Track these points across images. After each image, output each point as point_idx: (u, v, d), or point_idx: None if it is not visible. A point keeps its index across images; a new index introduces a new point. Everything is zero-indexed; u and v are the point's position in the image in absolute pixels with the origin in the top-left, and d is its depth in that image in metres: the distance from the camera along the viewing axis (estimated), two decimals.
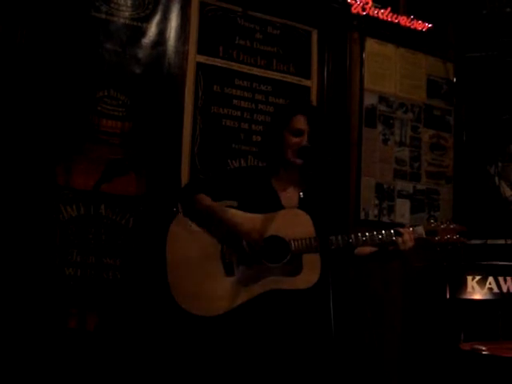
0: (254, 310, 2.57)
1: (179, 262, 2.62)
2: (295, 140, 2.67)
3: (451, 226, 2.67)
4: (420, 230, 2.64)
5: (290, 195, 2.74)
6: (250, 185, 2.73)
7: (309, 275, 2.55)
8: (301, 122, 2.69)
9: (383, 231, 2.61)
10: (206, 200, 2.66)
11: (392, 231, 2.61)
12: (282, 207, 2.68)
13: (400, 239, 2.56)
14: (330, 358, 2.48)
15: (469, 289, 4.02)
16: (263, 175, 2.77)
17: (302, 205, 2.69)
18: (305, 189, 2.73)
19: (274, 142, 2.75)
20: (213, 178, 2.88)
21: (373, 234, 2.61)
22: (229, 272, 2.60)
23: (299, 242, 2.56)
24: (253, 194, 2.71)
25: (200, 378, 3.37)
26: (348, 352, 3.83)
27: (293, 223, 2.60)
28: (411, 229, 2.62)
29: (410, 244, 2.57)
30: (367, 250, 2.73)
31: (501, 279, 4.00)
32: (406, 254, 2.59)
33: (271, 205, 2.67)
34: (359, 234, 2.60)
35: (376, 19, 4.51)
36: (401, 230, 2.60)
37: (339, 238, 2.56)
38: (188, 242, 2.64)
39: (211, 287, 2.59)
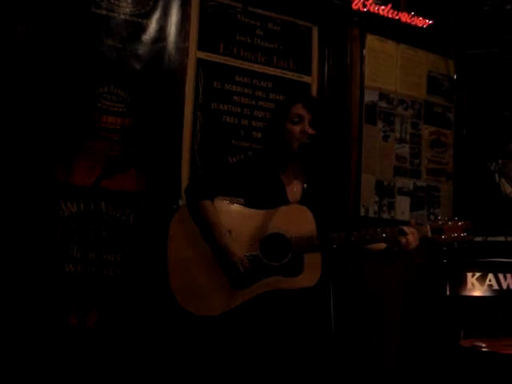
0: (254, 309, 2.57)
1: (180, 261, 2.61)
2: (296, 128, 2.67)
3: (458, 224, 2.61)
4: (426, 228, 2.60)
5: (295, 189, 2.72)
6: (258, 178, 2.71)
7: (310, 275, 2.54)
8: (299, 109, 2.69)
9: (387, 229, 2.59)
10: (210, 210, 2.63)
11: (396, 230, 2.59)
12: (287, 201, 2.67)
13: (404, 239, 2.53)
14: (331, 357, 2.47)
15: (469, 286, 4.03)
16: (271, 168, 2.75)
17: (305, 198, 2.68)
18: (308, 182, 2.71)
19: (276, 134, 2.74)
20: (217, 175, 2.82)
21: (376, 232, 2.58)
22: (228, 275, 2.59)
23: (301, 240, 2.55)
24: (260, 187, 2.69)
25: (199, 377, 3.38)
26: (348, 349, 3.83)
27: (295, 220, 2.59)
28: (416, 228, 2.58)
29: (414, 245, 2.54)
30: (377, 246, 2.71)
31: (501, 276, 4.01)
32: (409, 254, 2.57)
33: (277, 199, 2.66)
34: (362, 232, 2.58)
35: (377, 16, 4.50)
36: (405, 229, 2.55)
37: (342, 235, 2.55)
38: (189, 240, 2.63)
39: (212, 287, 2.58)
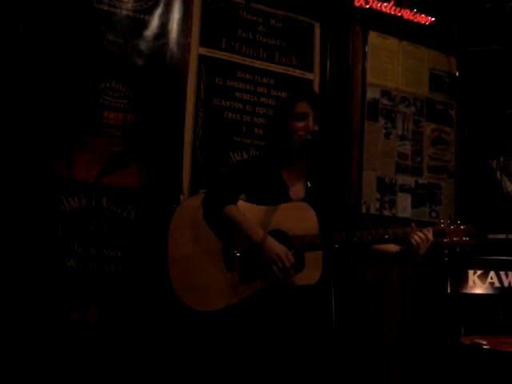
0: (254, 305, 2.57)
1: (180, 256, 2.62)
2: (300, 124, 2.65)
3: (461, 227, 2.61)
4: (428, 231, 2.59)
5: (298, 187, 2.71)
6: (259, 176, 2.70)
7: (310, 273, 2.53)
8: (304, 107, 2.68)
9: (389, 230, 2.58)
10: (237, 213, 2.60)
11: (400, 231, 2.59)
12: (289, 199, 2.66)
13: (415, 242, 2.53)
14: (331, 354, 2.46)
15: (470, 283, 4.02)
16: (273, 166, 2.74)
17: (309, 196, 2.67)
18: (311, 180, 2.68)
19: (279, 131, 2.73)
20: (230, 179, 2.78)
21: (378, 233, 2.58)
22: (230, 267, 2.59)
23: (302, 238, 2.55)
24: (261, 185, 2.68)
25: (200, 373, 3.38)
26: (349, 347, 3.83)
27: (297, 217, 2.58)
28: (423, 232, 2.57)
29: (424, 249, 2.55)
30: (388, 249, 2.70)
31: (502, 274, 4.01)
32: (418, 256, 2.57)
33: (279, 197, 2.64)
34: (364, 233, 2.58)
35: (379, 12, 4.50)
36: (413, 235, 2.55)
37: (343, 235, 2.54)
38: (190, 235, 2.63)
39: (212, 282, 2.58)
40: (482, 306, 4.00)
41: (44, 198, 3.42)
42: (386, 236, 2.58)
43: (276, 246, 2.50)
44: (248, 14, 4.20)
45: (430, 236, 2.57)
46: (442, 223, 2.64)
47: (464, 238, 2.60)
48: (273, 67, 4.25)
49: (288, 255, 2.48)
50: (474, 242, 2.61)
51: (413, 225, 2.64)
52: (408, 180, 4.59)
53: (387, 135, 4.53)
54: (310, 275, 2.53)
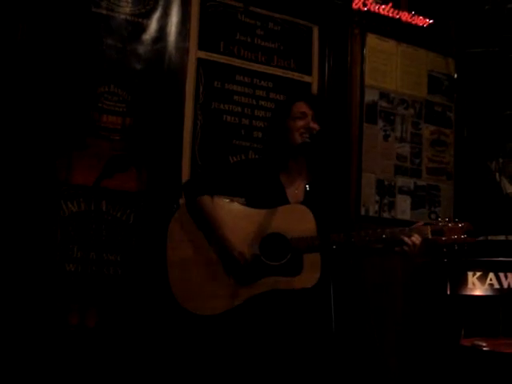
0: (253, 309, 2.56)
1: (180, 260, 2.62)
2: (300, 123, 2.65)
3: (459, 225, 2.58)
4: (426, 229, 2.58)
5: (297, 189, 2.71)
6: (257, 179, 2.71)
7: (309, 275, 2.53)
8: (302, 107, 2.68)
9: (387, 230, 2.57)
10: (208, 205, 2.63)
11: (397, 231, 2.58)
12: (287, 202, 2.66)
13: (407, 239, 2.53)
14: (331, 357, 2.46)
15: (469, 285, 4.02)
16: (271, 169, 2.74)
17: (308, 199, 2.66)
18: (311, 181, 2.68)
19: (278, 133, 2.73)
20: (217, 173, 2.83)
21: (375, 233, 2.57)
22: (229, 271, 2.59)
23: (300, 240, 2.55)
24: (259, 188, 2.69)
25: (199, 376, 3.38)
26: (349, 349, 3.83)
27: (295, 219, 2.58)
28: (416, 231, 2.55)
29: (416, 250, 2.54)
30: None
31: (501, 275, 4.00)
32: (410, 255, 2.56)
33: (277, 200, 2.64)
34: (362, 233, 2.57)
35: (377, 15, 4.50)
36: (406, 232, 2.56)
37: (341, 236, 2.54)
38: (189, 239, 2.63)
39: (211, 286, 2.58)
40: (482, 308, 4.00)
41: (43, 203, 3.42)
42: (384, 236, 2.57)
43: (237, 246, 2.54)
44: (246, 18, 4.20)
45: (418, 241, 2.55)
46: (440, 221, 2.63)
47: (462, 236, 2.58)
48: (271, 70, 4.25)
49: (244, 255, 2.53)
50: (472, 239, 2.59)
51: (420, 223, 2.63)
52: (407, 182, 4.60)
53: (386, 137, 4.54)
54: (308, 278, 2.53)
